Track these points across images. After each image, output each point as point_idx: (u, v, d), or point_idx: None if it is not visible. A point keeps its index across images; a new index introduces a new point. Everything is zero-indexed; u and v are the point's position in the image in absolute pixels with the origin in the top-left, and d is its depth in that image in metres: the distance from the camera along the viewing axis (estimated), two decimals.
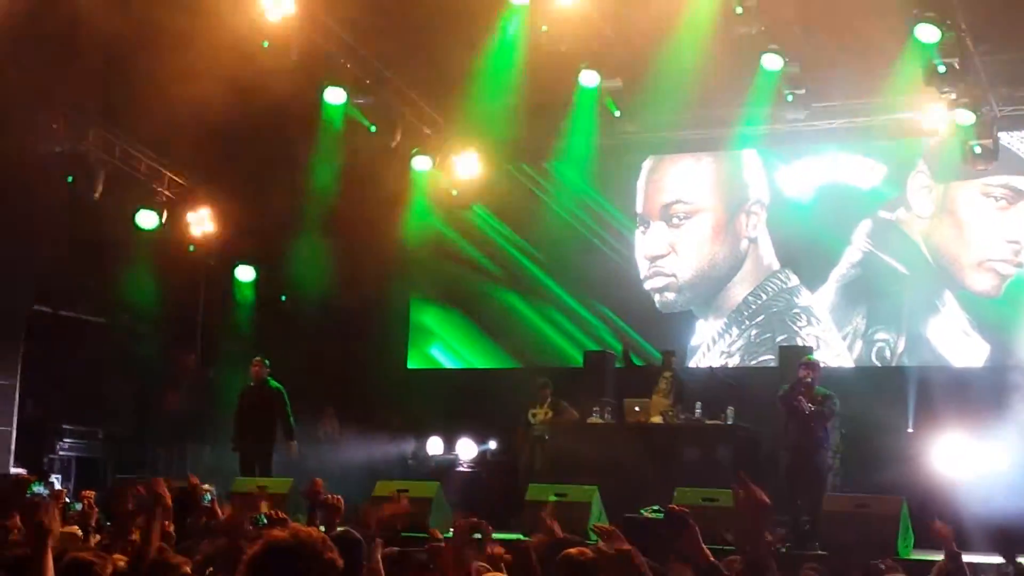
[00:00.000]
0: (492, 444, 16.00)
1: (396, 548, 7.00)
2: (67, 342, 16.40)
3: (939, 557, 8.03)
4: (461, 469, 15.74)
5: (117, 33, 14.33)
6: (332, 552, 4.03)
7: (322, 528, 7.81)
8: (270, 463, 14.38)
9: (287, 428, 14.37)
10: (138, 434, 16.62)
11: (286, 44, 14.24)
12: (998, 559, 10.28)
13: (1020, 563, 9.15)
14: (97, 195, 15.25)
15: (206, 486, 12.67)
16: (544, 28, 14.20)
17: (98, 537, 9.03)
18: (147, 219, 16.07)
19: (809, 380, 12.56)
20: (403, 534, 11.34)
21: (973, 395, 14.30)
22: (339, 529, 7.03)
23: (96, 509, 9.92)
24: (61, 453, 15.68)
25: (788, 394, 12.61)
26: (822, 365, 13.43)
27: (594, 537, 11.39)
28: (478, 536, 5.85)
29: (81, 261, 16.10)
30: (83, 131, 15.05)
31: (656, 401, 14.32)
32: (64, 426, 15.88)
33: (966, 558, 7.74)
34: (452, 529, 7.25)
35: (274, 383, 14.49)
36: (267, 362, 14.58)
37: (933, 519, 8.01)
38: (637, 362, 16.00)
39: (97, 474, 15.72)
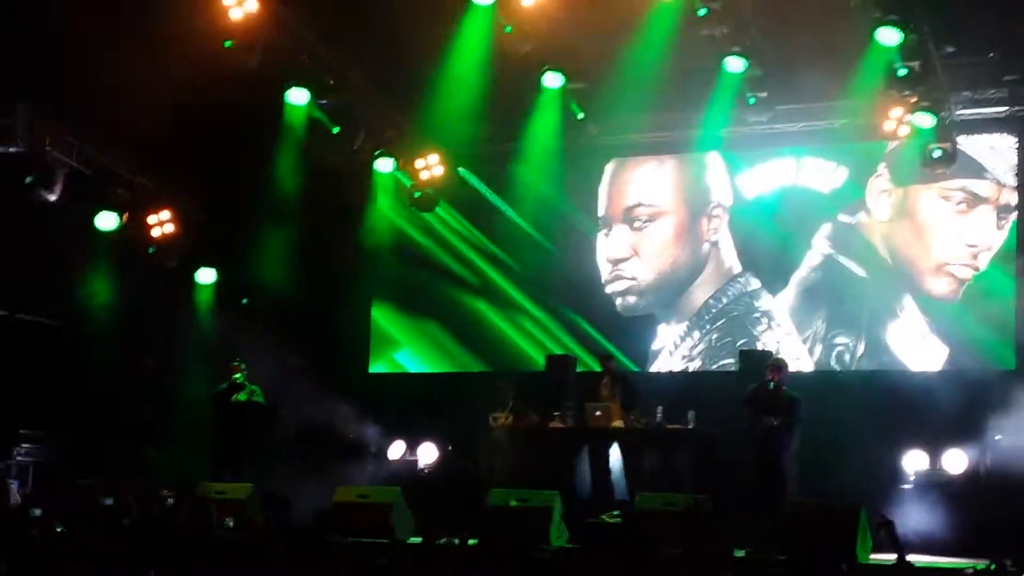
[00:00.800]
0: (453, 448, 15.94)
1: None
2: (24, 346, 16.24)
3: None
4: (422, 473, 15.69)
5: (76, 32, 14.25)
6: None
7: None
8: (243, 467, 14.36)
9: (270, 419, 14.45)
10: (97, 439, 16.47)
11: (248, 44, 14.14)
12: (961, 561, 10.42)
13: (1005, 564, 9.18)
14: (55, 196, 15.10)
15: (166, 491, 12.70)
16: (508, 29, 14.18)
17: None
18: (106, 221, 15.91)
19: (774, 382, 12.63)
20: (363, 540, 11.36)
21: (931, 399, 14.41)
22: None
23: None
24: (19, 458, 15.54)
25: (753, 399, 12.67)
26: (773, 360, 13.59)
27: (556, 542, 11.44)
28: None
29: (38, 263, 15.95)
30: (41, 132, 14.89)
31: (612, 408, 14.30)
32: (21, 431, 15.73)
33: (928, 559, 7.79)
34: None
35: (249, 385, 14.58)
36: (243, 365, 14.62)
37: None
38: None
39: (55, 479, 15.56)
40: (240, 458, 14.54)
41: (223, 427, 14.61)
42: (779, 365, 13.10)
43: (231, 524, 11.57)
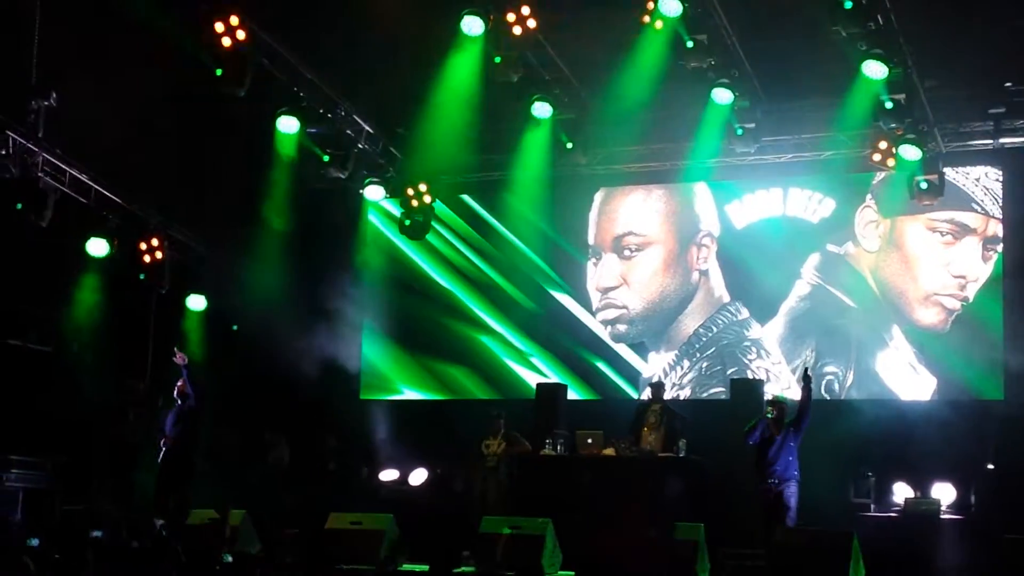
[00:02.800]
0: (445, 476, 15.94)
1: None
2: (14, 371, 16.19)
3: None
4: (414, 501, 15.66)
5: (70, 58, 14.29)
6: None
7: None
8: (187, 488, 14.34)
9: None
10: (86, 464, 16.41)
11: (239, 73, 14.19)
12: None
13: None
14: (46, 223, 15.07)
15: (161, 520, 12.65)
16: (498, 59, 14.26)
17: None
18: (97, 247, 15.88)
19: (773, 416, 12.68)
20: (351, 566, 11.36)
21: (920, 428, 14.52)
22: None
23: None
24: (8, 484, 15.44)
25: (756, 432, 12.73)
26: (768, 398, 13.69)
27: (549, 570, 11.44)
28: None
29: (29, 289, 15.92)
30: (33, 157, 14.88)
31: (646, 436, 14.29)
32: (11, 457, 15.66)
33: None
34: None
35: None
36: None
37: None
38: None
39: (45, 505, 15.49)
40: (185, 479, 14.39)
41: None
42: (777, 404, 13.00)
43: (230, 559, 11.54)
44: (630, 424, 14.55)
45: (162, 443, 14.40)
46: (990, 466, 13.92)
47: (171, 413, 14.60)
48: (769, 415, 12.65)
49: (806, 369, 13.62)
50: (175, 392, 14.54)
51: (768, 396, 13.76)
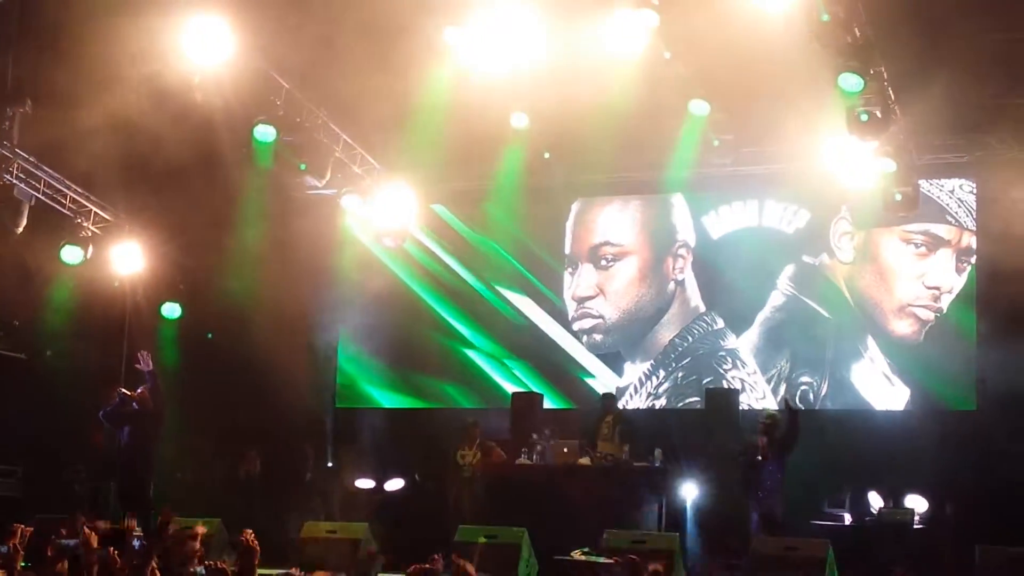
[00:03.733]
0: (420, 484, 15.93)
1: None
2: None
3: None
4: (389, 509, 15.64)
5: (45, 65, 14.22)
6: None
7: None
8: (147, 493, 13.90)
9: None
10: (59, 472, 16.32)
11: (217, 80, 14.18)
12: None
13: None
14: (20, 229, 15.01)
15: (137, 530, 12.53)
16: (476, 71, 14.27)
17: None
18: (72, 254, 15.82)
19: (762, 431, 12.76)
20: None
21: (894, 439, 14.60)
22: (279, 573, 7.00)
23: (22, 552, 9.73)
24: None
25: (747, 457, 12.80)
26: (743, 408, 13.73)
27: None
28: None
29: (3, 296, 15.84)
30: (8, 163, 14.81)
31: (601, 447, 14.33)
32: None
33: None
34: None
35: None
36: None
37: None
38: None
39: (17, 514, 15.40)
40: (145, 485, 13.86)
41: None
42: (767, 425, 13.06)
43: (202, 572, 11.40)
44: (588, 437, 14.61)
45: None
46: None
47: (124, 419, 13.84)
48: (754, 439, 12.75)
49: (789, 400, 13.68)
50: (133, 397, 13.76)
51: (743, 406, 13.81)
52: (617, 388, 16.86)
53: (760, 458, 12.75)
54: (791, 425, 12.73)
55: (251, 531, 8.19)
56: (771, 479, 12.65)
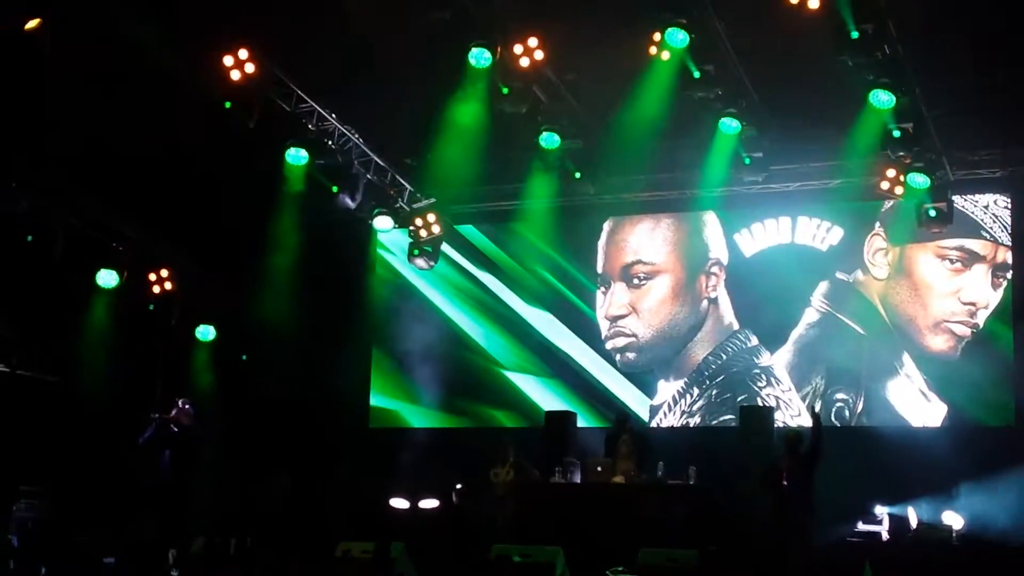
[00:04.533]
0: (459, 500, 15.90)
1: None
2: (23, 401, 16.22)
3: None
4: (424, 528, 15.62)
5: (77, 90, 14.36)
6: None
7: None
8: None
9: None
10: (95, 494, 16.39)
11: (248, 105, 14.30)
12: None
13: None
14: (57, 255, 15.14)
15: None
16: (505, 91, 14.33)
17: None
18: (107, 278, 15.94)
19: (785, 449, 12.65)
20: None
21: (931, 455, 14.48)
22: None
23: None
24: (17, 514, 15.43)
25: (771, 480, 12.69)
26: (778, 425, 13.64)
27: None
28: None
29: (39, 321, 15.97)
30: (43, 191, 14.96)
31: (620, 465, 14.30)
32: (20, 487, 15.66)
33: None
34: None
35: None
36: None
37: None
38: None
39: (53, 535, 15.47)
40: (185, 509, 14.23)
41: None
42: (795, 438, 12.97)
43: None
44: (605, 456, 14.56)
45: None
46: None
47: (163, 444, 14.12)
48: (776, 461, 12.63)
49: (812, 407, 13.64)
50: (170, 420, 14.05)
51: (778, 423, 13.73)
52: (651, 407, 16.82)
53: (785, 482, 12.57)
54: (815, 434, 12.59)
55: None
56: (800, 496, 12.50)
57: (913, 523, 14.23)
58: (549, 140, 15.52)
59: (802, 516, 12.48)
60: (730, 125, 14.77)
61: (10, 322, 15.89)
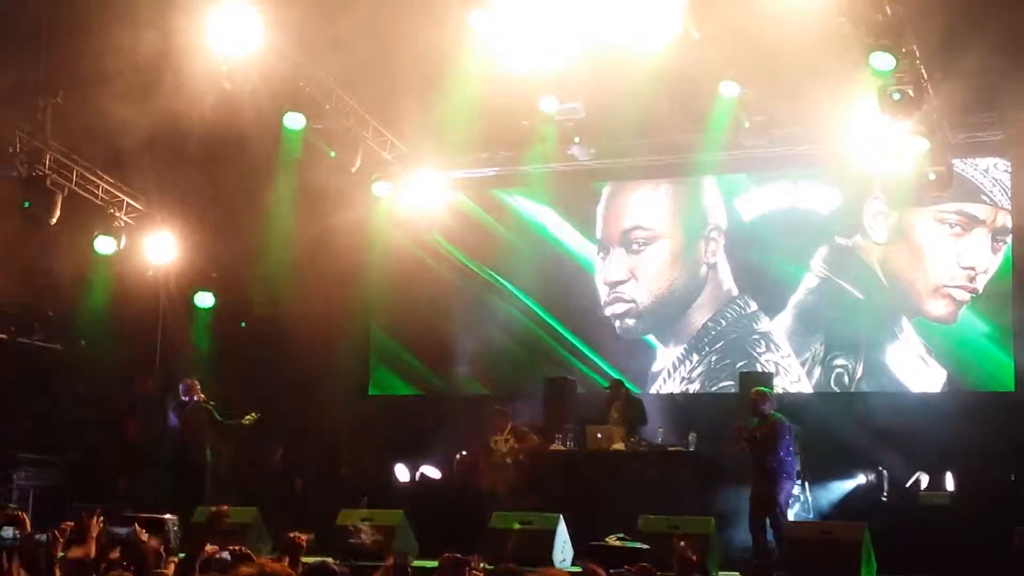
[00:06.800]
0: (454, 470, 15.94)
1: None
2: (23, 369, 16.23)
3: None
4: (423, 495, 15.66)
5: (77, 56, 14.27)
6: None
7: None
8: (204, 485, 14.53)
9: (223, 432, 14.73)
10: (97, 461, 16.44)
11: (246, 68, 14.19)
12: None
13: None
14: (54, 220, 15.08)
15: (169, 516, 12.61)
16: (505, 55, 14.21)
17: None
18: (105, 244, 15.91)
19: (761, 408, 12.64)
20: (362, 563, 11.32)
21: (930, 420, 14.49)
22: (315, 560, 7.01)
23: (61, 541, 9.77)
24: (19, 482, 15.48)
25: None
26: (778, 391, 13.63)
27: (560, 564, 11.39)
28: None
29: (38, 287, 15.95)
30: (40, 155, 14.89)
31: (614, 431, 14.35)
32: (21, 455, 15.70)
33: None
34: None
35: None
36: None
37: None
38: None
39: (55, 503, 15.52)
40: (202, 479, 14.63)
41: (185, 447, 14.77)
42: (756, 395, 12.93)
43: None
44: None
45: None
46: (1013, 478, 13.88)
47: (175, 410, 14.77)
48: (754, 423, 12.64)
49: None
50: (183, 390, 14.67)
51: (778, 389, 13.75)
52: (650, 373, 16.82)
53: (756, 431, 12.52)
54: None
55: (302, 535, 8.20)
56: (772, 458, 12.47)
57: (913, 488, 14.24)
58: (548, 105, 15.43)
59: (769, 485, 12.43)
60: (729, 88, 14.68)
61: (10, 289, 15.87)
